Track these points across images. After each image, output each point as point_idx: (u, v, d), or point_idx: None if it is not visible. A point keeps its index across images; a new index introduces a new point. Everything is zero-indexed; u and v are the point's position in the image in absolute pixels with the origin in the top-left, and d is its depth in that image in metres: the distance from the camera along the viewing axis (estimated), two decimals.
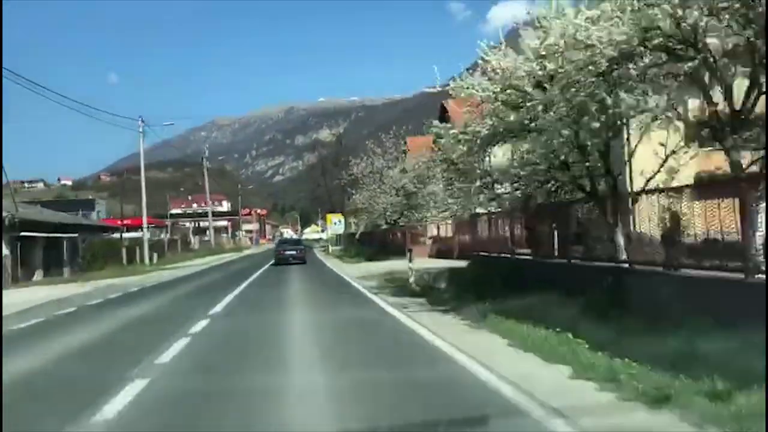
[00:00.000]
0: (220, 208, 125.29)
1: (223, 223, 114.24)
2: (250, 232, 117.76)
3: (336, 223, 51.33)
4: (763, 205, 7.57)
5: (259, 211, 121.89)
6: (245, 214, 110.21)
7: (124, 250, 38.07)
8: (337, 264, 35.90)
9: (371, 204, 36.02)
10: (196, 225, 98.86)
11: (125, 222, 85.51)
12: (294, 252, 36.32)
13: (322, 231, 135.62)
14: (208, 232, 70.11)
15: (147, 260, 38.14)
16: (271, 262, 36.55)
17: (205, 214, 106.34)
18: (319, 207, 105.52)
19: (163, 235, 62.41)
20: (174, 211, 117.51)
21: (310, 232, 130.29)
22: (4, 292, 19.99)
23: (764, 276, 7.03)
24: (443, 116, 27.62)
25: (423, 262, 25.12)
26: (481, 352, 7.73)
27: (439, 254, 32.03)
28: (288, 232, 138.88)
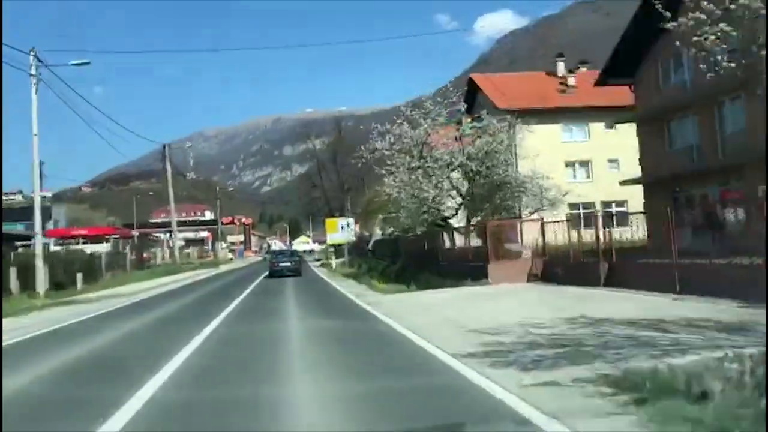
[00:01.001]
0: (202, 219, 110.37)
1: (205, 234, 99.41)
2: (235, 243, 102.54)
3: (343, 229, 36.34)
4: None
5: (243, 219, 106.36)
6: (227, 222, 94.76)
7: (12, 273, 22.61)
8: (374, 301, 16.96)
9: (414, 193, 21.36)
10: (170, 234, 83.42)
11: (79, 232, 70.74)
12: (289, 264, 33.53)
13: (314, 242, 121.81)
14: (170, 242, 54.86)
15: (41, 286, 22.61)
16: (249, 290, 22.60)
17: (184, 224, 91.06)
18: (312, 214, 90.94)
19: (127, 248, 47.01)
20: (156, 221, 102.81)
21: (299, 243, 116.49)
22: None
23: None
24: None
25: (558, 297, 13.04)
26: None
27: (553, 276, 17.29)
28: (276, 243, 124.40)
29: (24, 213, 51.51)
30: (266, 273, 33.72)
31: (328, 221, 46.32)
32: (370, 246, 37.95)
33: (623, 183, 28.90)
